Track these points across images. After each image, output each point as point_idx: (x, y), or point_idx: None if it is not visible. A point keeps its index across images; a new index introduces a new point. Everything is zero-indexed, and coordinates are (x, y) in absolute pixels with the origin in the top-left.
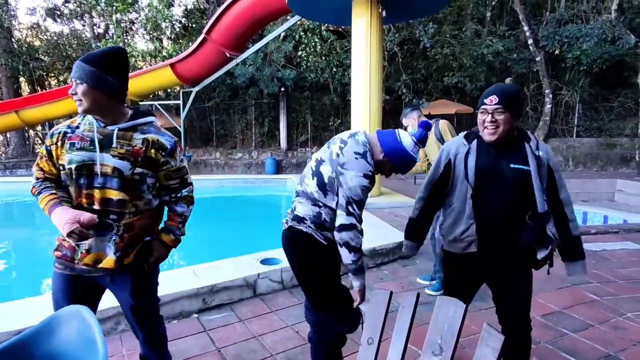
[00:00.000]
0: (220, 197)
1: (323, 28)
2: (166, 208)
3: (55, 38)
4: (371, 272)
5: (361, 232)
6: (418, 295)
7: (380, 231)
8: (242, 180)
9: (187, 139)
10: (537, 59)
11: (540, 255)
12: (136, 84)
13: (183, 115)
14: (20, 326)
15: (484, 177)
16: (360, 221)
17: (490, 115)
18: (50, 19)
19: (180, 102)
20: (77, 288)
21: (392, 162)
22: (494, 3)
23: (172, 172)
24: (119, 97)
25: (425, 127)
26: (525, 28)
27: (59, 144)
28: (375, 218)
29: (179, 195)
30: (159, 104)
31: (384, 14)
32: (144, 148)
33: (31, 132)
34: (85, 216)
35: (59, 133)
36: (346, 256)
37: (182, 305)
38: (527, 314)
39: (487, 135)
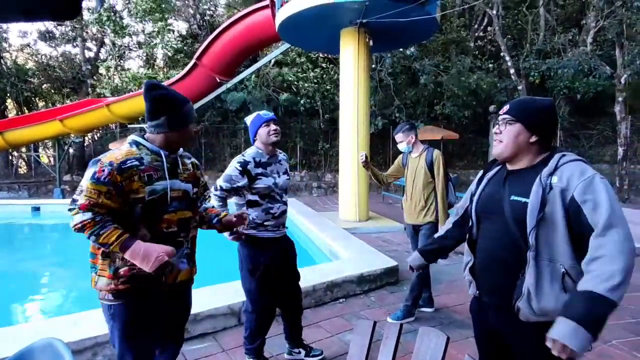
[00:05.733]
0: None
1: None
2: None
3: (45, 60)
4: (358, 299)
5: (218, 197)
6: (401, 325)
7: (367, 256)
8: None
9: None
10: (519, 87)
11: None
12: (125, 107)
13: None
14: None
15: (484, 208)
16: (216, 188)
17: (497, 127)
18: (42, 41)
19: None
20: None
21: (255, 132)
22: (476, 35)
23: (205, 184)
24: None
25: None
26: (507, 58)
27: (134, 178)
28: (363, 244)
29: (206, 198)
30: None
31: (371, 43)
32: (194, 170)
33: (15, 153)
34: (168, 249)
35: (131, 168)
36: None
37: None
38: None
39: (494, 149)
